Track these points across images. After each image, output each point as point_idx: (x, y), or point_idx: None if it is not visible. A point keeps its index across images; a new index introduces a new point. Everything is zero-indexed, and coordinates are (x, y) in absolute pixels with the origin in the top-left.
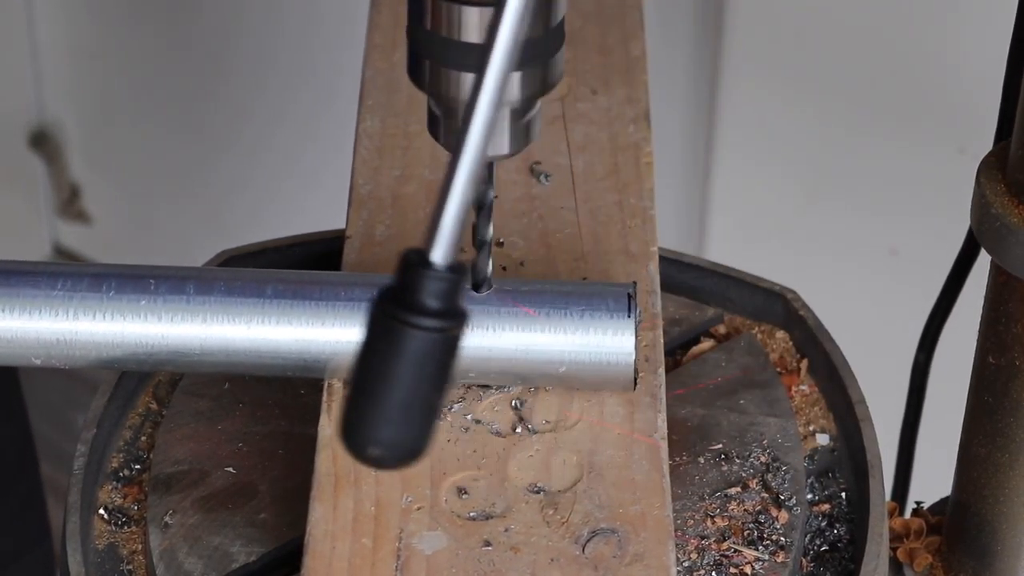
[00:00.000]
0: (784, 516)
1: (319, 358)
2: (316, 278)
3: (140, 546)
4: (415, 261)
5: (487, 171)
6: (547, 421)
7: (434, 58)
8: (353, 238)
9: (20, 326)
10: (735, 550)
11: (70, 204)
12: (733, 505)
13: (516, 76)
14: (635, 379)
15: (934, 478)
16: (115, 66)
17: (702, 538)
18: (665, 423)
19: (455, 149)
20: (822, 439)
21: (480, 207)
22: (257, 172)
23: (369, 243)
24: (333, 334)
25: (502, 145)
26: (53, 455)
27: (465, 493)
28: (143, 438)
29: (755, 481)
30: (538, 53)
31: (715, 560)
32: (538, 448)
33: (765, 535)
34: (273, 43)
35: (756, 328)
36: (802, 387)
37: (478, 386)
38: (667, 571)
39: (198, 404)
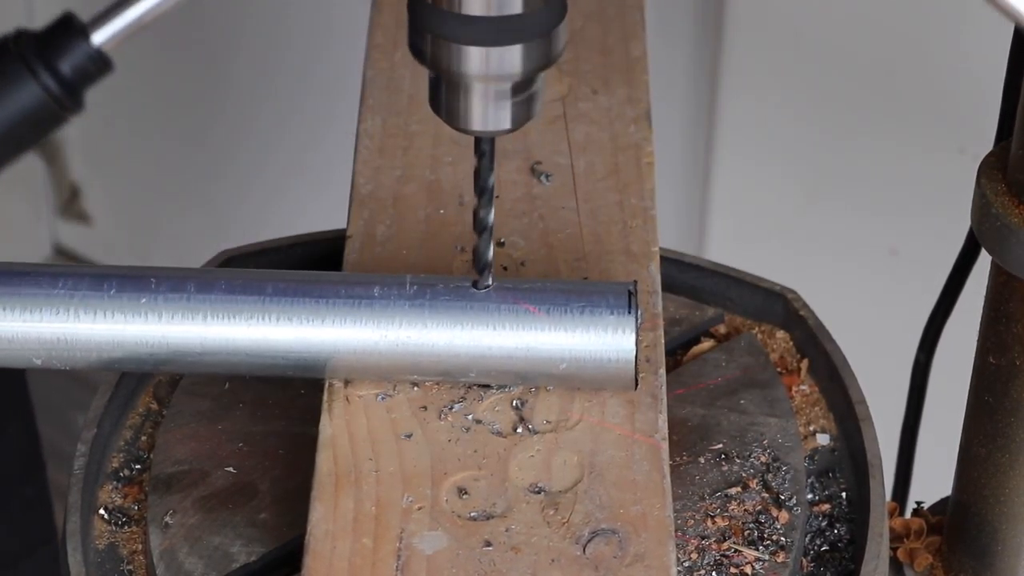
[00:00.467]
0: (784, 516)
1: (319, 357)
2: (316, 278)
3: (140, 546)
4: (78, 28)
5: (488, 144)
6: (548, 421)
7: (435, 32)
8: (354, 238)
9: (21, 326)
10: (735, 550)
11: (70, 204)
12: (733, 505)
13: (517, 50)
14: (636, 378)
15: (934, 478)
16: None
17: (702, 538)
18: (666, 423)
19: None
20: (822, 439)
21: (482, 192)
22: (258, 172)
23: (370, 243)
24: (333, 333)
25: (503, 120)
26: (54, 455)
27: (466, 493)
28: (143, 438)
29: (755, 481)
30: (539, 26)
31: (715, 560)
32: (539, 448)
33: (765, 535)
34: (274, 43)
35: (756, 328)
36: (802, 387)
37: (479, 386)
38: (668, 571)
39: (198, 404)
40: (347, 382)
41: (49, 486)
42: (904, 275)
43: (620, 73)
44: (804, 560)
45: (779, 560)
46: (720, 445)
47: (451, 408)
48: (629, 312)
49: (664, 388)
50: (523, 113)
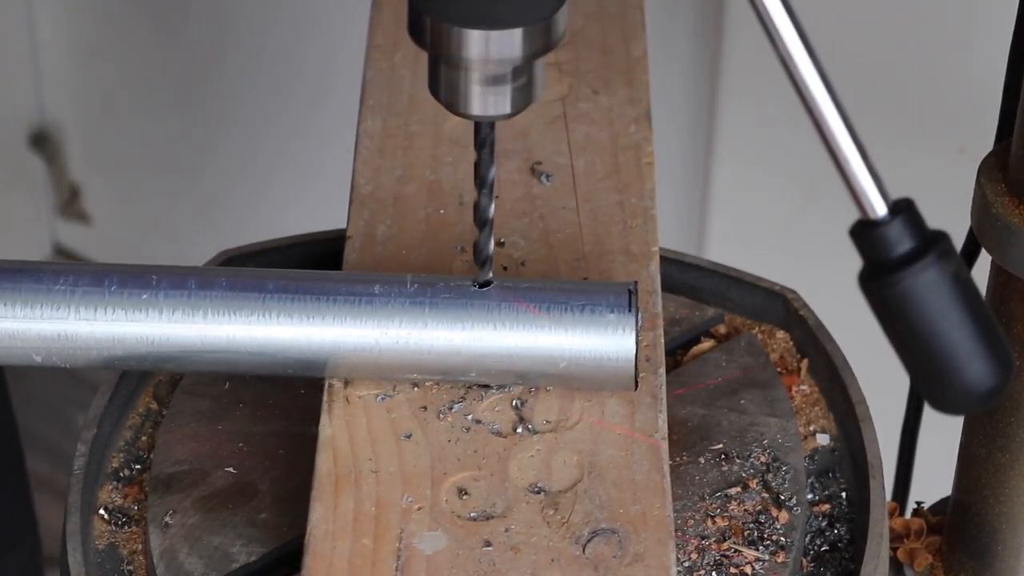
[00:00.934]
0: (784, 516)
1: (318, 356)
2: (317, 276)
3: (140, 546)
4: (860, 230)
5: (488, 131)
6: (548, 421)
7: (434, 15)
8: (354, 238)
9: (22, 324)
10: (735, 550)
11: (70, 204)
12: (733, 505)
13: (517, 34)
14: (636, 377)
15: (934, 478)
16: (115, 66)
17: (702, 538)
18: (666, 423)
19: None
20: (822, 439)
21: (482, 184)
22: (259, 172)
23: (370, 243)
24: (332, 332)
25: (503, 105)
26: (53, 455)
27: (465, 493)
28: (143, 438)
29: (755, 481)
30: (539, 10)
31: (715, 560)
32: (539, 448)
33: (765, 535)
34: (277, 45)
35: (756, 328)
36: (802, 387)
37: (479, 386)
38: (667, 571)
39: (198, 404)
40: (347, 382)
41: (29, 479)
42: None
43: (620, 73)
44: (804, 560)
45: (779, 560)
46: (720, 445)
47: (451, 408)
48: (629, 311)
49: (664, 388)
50: (523, 98)
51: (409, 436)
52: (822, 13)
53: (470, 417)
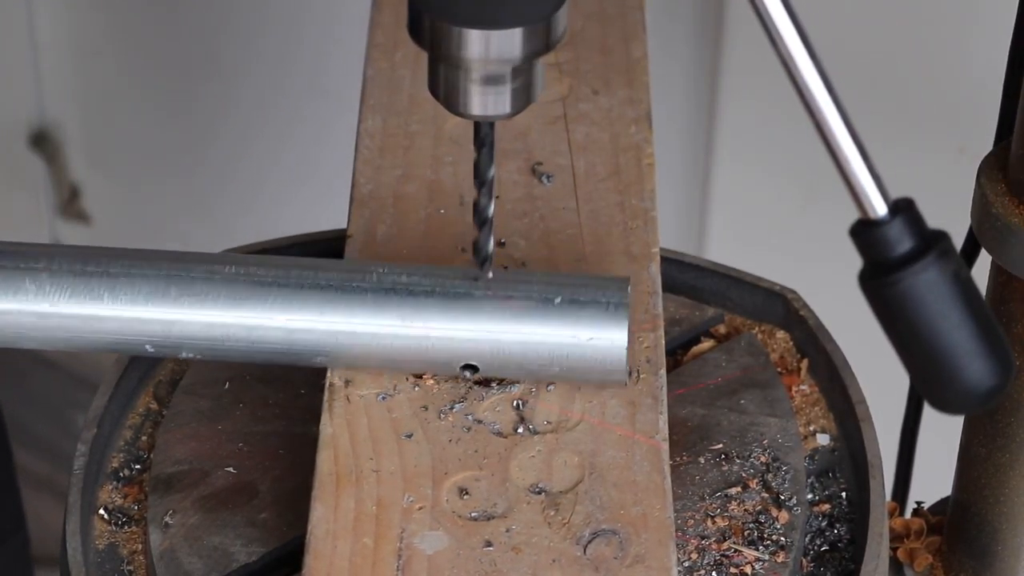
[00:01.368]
0: (784, 516)
1: (305, 346)
2: (312, 265)
3: (140, 546)
4: (860, 229)
5: (488, 130)
6: (548, 422)
7: (433, 14)
8: (355, 237)
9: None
10: (735, 550)
11: (70, 204)
12: (733, 505)
13: (517, 33)
14: (628, 372)
15: (934, 478)
16: (115, 66)
17: (702, 538)
18: (666, 424)
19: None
20: (822, 439)
21: (482, 183)
22: (258, 172)
23: (371, 242)
24: (323, 322)
25: (503, 105)
26: (53, 455)
27: (466, 493)
28: (143, 438)
29: (755, 481)
30: (538, 10)
31: (715, 560)
32: (539, 449)
33: (765, 535)
34: (275, 43)
35: (756, 328)
36: (802, 387)
37: (479, 386)
38: (668, 572)
39: (198, 404)
40: (347, 381)
41: (16, 475)
42: None
43: (621, 74)
44: (804, 560)
45: (779, 560)
46: (720, 445)
47: (452, 408)
48: (623, 307)
49: (665, 389)
50: (522, 98)
51: (410, 436)
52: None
53: (471, 417)
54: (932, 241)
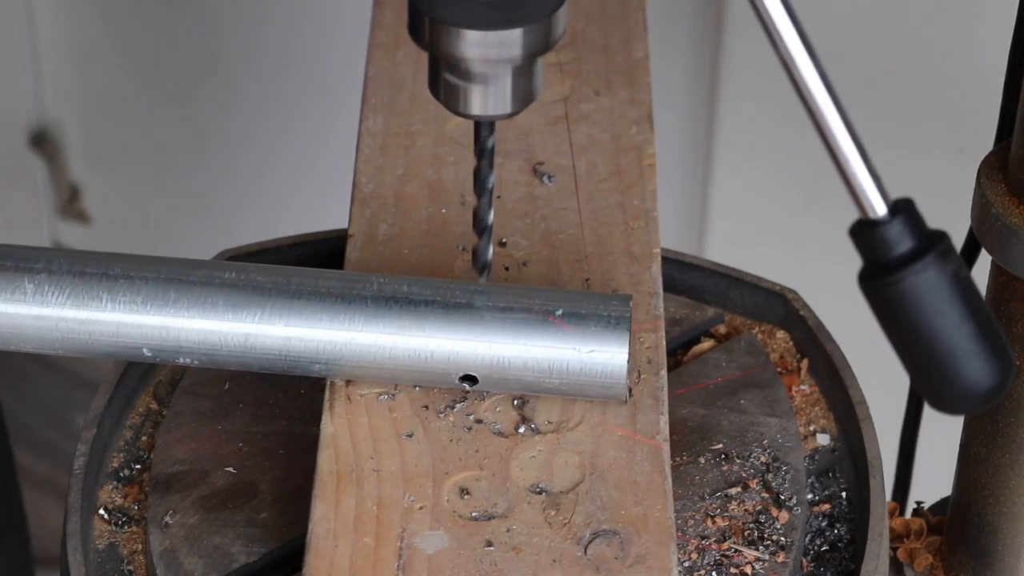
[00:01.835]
0: (784, 516)
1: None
2: (312, 275)
3: (140, 546)
4: (860, 229)
5: (488, 130)
6: (549, 422)
7: (434, 15)
8: (355, 237)
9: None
10: (735, 550)
11: (70, 204)
12: (733, 505)
13: (517, 34)
14: (629, 391)
15: (934, 478)
16: (115, 66)
17: (702, 538)
18: (667, 425)
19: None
20: (822, 439)
21: (481, 192)
22: (258, 171)
23: (372, 242)
24: (333, 333)
25: (504, 105)
26: (53, 455)
27: (467, 493)
28: (143, 438)
29: (755, 481)
30: (538, 11)
31: (715, 560)
32: (540, 449)
33: (765, 535)
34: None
35: (756, 328)
36: (802, 387)
37: None
38: (669, 573)
39: (199, 404)
40: (348, 381)
41: (17, 475)
42: None
43: (622, 74)
44: (804, 560)
45: (779, 560)
46: (720, 445)
47: (453, 408)
48: (624, 321)
49: (665, 390)
50: (522, 98)
51: (411, 435)
52: (822, 13)
53: (472, 417)
54: (932, 241)
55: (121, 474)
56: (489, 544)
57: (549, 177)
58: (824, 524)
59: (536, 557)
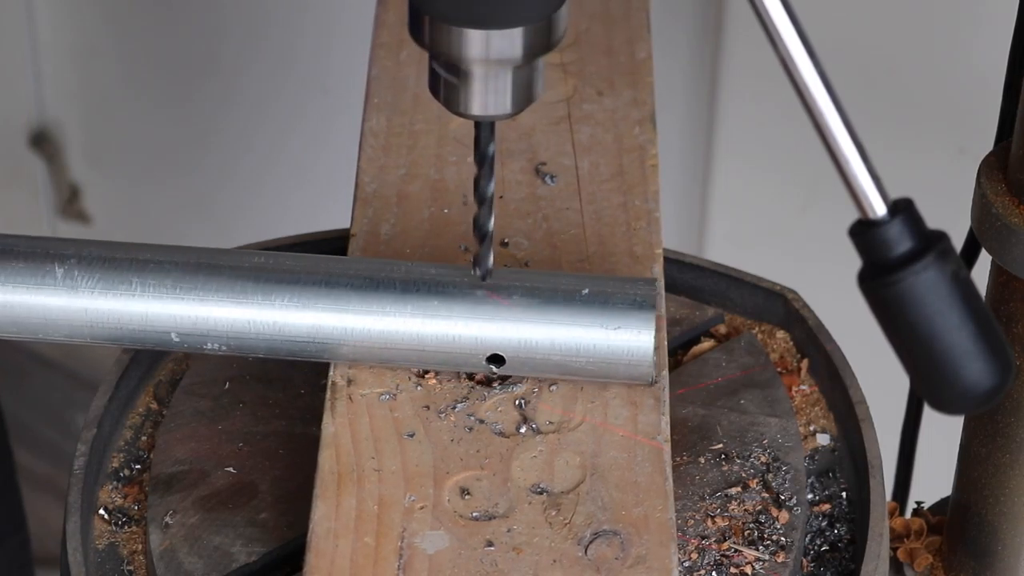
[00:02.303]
0: (784, 516)
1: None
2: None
3: (140, 546)
4: (859, 230)
5: (489, 130)
6: (550, 422)
7: (433, 14)
8: (358, 236)
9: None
10: (735, 550)
11: (70, 204)
12: (733, 505)
13: (517, 33)
14: (656, 371)
15: (934, 478)
16: (115, 66)
17: (702, 538)
18: (668, 426)
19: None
20: (822, 439)
21: (482, 200)
22: (258, 171)
23: (374, 241)
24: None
25: (504, 105)
26: (53, 455)
27: (468, 493)
28: (143, 438)
29: (755, 481)
30: (539, 10)
31: (715, 560)
32: (541, 449)
33: (765, 535)
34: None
35: (756, 328)
36: (802, 387)
37: (481, 385)
38: (669, 573)
39: (199, 404)
40: (350, 381)
41: (16, 474)
42: None
43: (625, 75)
44: (804, 560)
45: (779, 560)
46: (720, 445)
47: (454, 408)
48: (650, 299)
49: (667, 390)
50: (523, 98)
51: (412, 435)
52: (822, 13)
53: (473, 417)
54: (931, 241)
55: (121, 474)
56: (490, 544)
57: (551, 177)
58: (824, 524)
59: (537, 557)
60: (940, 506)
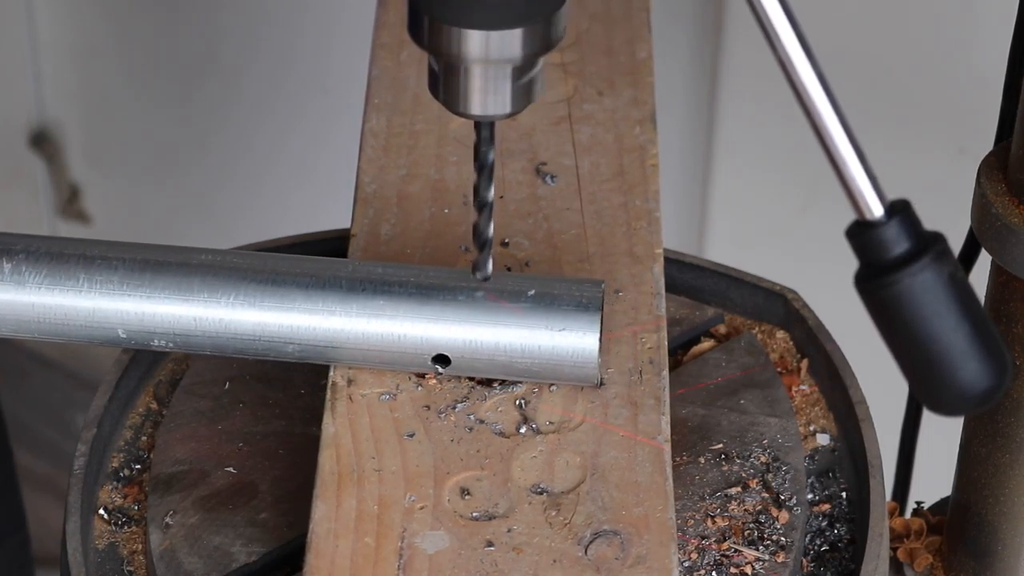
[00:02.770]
0: (784, 516)
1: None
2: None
3: (140, 546)
4: (856, 231)
5: (488, 131)
6: (551, 422)
7: (433, 14)
8: (358, 236)
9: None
10: (735, 550)
11: (70, 204)
12: (733, 505)
13: (517, 33)
14: (600, 375)
15: (934, 478)
16: (115, 66)
17: (702, 538)
18: (668, 426)
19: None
20: (822, 439)
21: (481, 206)
22: (259, 171)
23: (374, 241)
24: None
25: (503, 105)
26: (53, 455)
27: (468, 493)
28: (143, 438)
29: (755, 481)
30: (538, 10)
31: (715, 560)
32: (541, 449)
33: (765, 535)
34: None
35: (756, 328)
36: (802, 387)
37: (482, 385)
38: (669, 574)
39: (199, 404)
40: (350, 381)
41: (16, 474)
42: None
43: (625, 75)
44: (804, 560)
45: (779, 560)
46: (720, 445)
47: (454, 408)
48: (595, 301)
49: (667, 391)
50: (523, 98)
51: (412, 435)
52: (822, 13)
53: (473, 417)
54: (928, 243)
55: (121, 474)
56: (490, 544)
57: (552, 177)
58: (824, 524)
59: (537, 557)
60: (940, 506)
